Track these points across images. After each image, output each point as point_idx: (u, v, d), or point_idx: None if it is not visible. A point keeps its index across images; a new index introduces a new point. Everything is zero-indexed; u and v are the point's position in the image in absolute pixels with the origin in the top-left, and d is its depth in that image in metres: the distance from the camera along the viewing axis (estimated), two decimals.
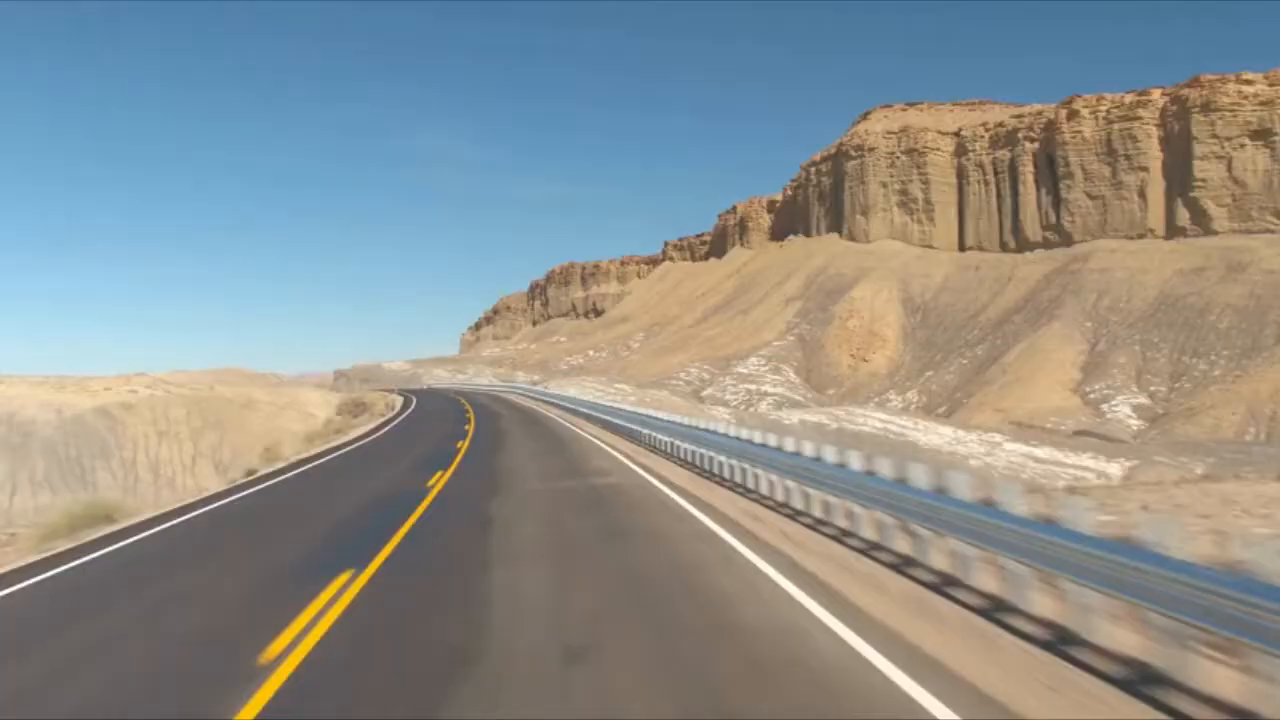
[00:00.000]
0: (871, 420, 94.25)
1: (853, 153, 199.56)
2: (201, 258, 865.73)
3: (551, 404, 66.41)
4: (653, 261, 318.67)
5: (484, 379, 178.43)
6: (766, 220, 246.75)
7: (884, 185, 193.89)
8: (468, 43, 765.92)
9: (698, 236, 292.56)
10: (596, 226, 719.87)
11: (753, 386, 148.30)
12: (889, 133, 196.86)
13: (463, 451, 31.77)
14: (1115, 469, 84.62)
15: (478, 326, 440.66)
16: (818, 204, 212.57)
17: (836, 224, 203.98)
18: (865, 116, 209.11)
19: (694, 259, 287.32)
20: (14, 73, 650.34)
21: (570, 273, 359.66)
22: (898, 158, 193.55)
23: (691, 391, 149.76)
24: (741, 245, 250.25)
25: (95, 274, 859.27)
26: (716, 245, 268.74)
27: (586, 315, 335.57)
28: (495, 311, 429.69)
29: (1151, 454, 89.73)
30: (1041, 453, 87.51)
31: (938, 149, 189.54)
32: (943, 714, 6.53)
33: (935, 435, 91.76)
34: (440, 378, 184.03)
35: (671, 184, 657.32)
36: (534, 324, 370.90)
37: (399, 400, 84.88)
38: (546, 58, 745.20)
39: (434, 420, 56.18)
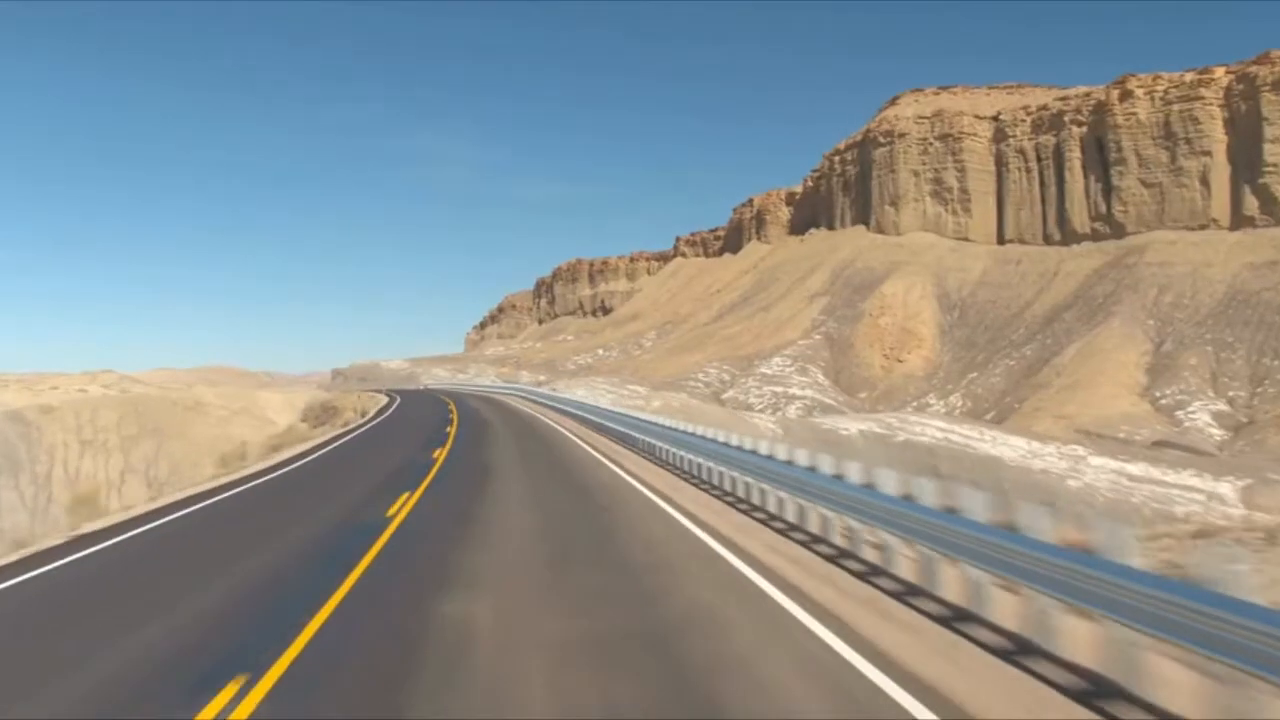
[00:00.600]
0: (930, 429, 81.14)
1: (881, 139, 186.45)
2: (204, 257, 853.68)
3: (558, 410, 53.67)
4: (663, 257, 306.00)
5: (485, 379, 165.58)
6: (785, 213, 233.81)
7: (915, 174, 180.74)
8: (469, 43, 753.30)
9: (711, 231, 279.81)
10: (604, 224, 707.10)
11: (779, 389, 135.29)
12: (921, 118, 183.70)
13: (397, 523, 18.57)
14: (1226, 489, 71.62)
15: (482, 326, 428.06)
16: (842, 195, 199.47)
17: (863, 215, 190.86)
18: (894, 102, 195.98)
19: (707, 254, 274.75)
20: (12, 71, 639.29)
21: (577, 270, 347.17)
22: (930, 144, 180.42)
23: (711, 394, 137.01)
24: (758, 239, 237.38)
25: (98, 273, 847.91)
26: (731, 240, 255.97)
27: (594, 314, 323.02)
28: (500, 310, 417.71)
29: (1262, 471, 76.68)
30: (1135, 469, 74.46)
31: (974, 134, 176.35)
32: None
33: (1005, 447, 78.66)
34: (439, 378, 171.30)
35: (682, 179, 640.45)
36: (540, 323, 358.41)
37: (379, 403, 72.28)
38: (549, 57, 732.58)
39: (404, 432, 43.51)
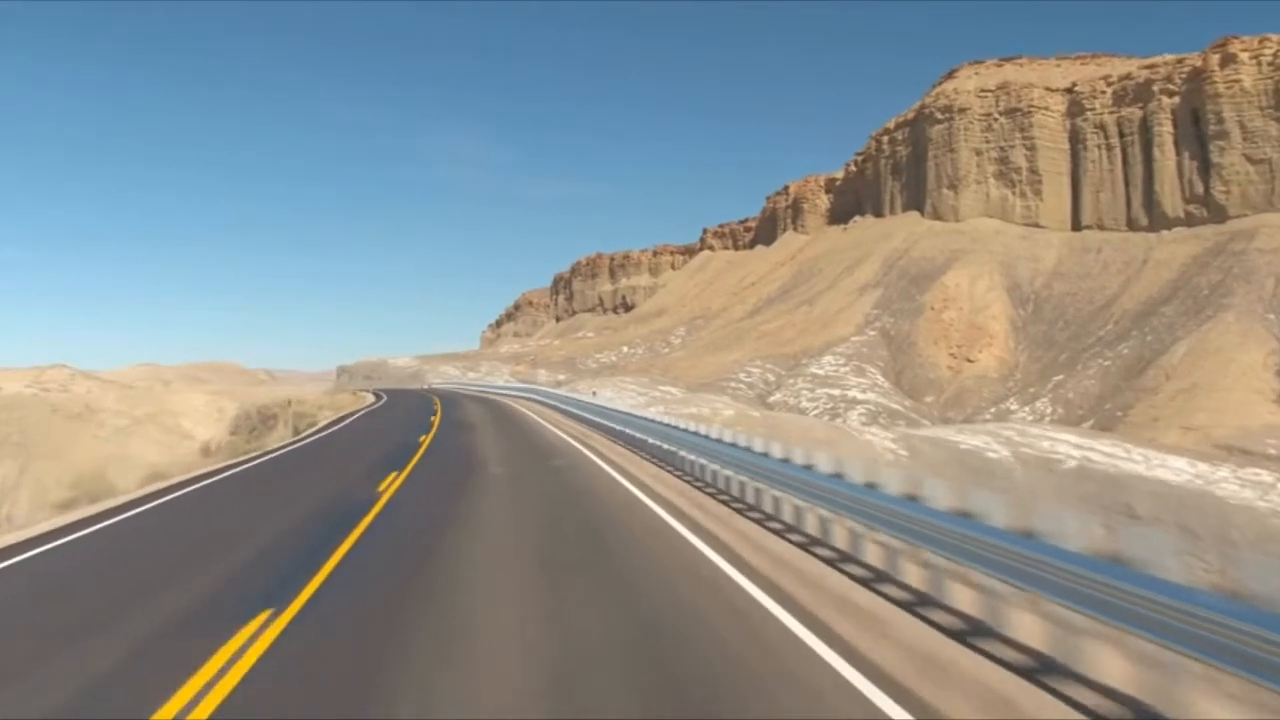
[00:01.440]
0: (1061, 445, 62.95)
1: (939, 115, 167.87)
2: (220, 255, 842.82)
3: (586, 421, 36.05)
4: (689, 251, 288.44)
5: (498, 378, 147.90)
6: (824, 201, 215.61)
7: (978, 153, 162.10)
8: (488, 43, 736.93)
9: (741, 223, 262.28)
10: (624, 219, 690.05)
11: (834, 391, 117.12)
12: (984, 91, 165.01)
13: None
14: None
15: (498, 324, 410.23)
16: (892, 178, 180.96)
17: (916, 200, 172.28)
18: (951, 75, 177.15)
19: (736, 247, 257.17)
20: (35, 71, 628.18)
21: (598, 265, 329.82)
22: (995, 120, 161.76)
23: (756, 396, 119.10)
24: (795, 229, 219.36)
25: (121, 270, 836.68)
26: (764, 231, 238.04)
27: (615, 310, 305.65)
28: (516, 308, 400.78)
29: None
30: None
31: (1046, 108, 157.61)
32: None
33: (1163, 468, 60.39)
34: (447, 376, 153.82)
35: (709, 171, 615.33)
36: (557, 320, 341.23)
37: (350, 408, 54.99)
38: (567, 56, 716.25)
39: (328, 468, 26.00)
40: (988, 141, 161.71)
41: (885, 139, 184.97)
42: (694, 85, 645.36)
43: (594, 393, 67.63)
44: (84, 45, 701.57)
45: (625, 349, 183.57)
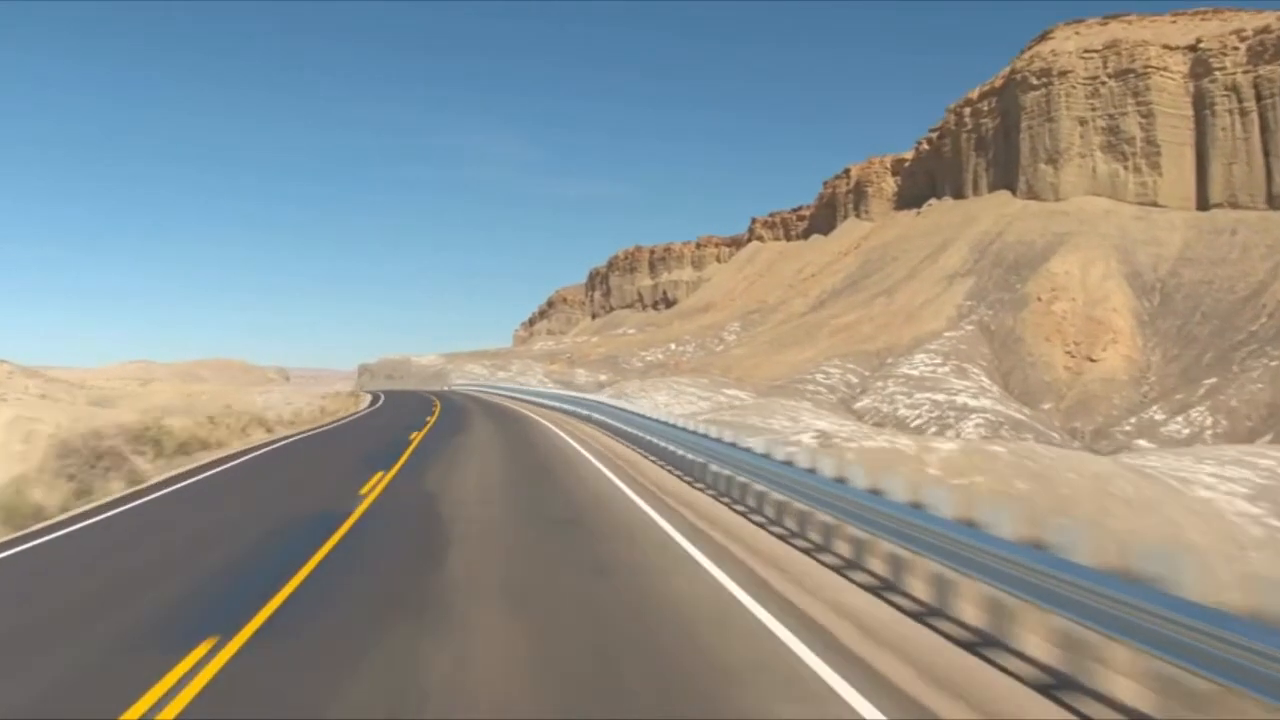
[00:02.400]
0: None
1: (1034, 81, 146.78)
2: (250, 255, 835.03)
3: (677, 462, 16.33)
4: (736, 242, 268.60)
5: (531, 378, 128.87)
6: (891, 184, 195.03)
7: (1082, 122, 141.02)
8: (518, 42, 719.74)
9: (793, 211, 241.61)
10: (661, 216, 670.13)
11: (938, 396, 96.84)
12: (1088, 51, 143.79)
13: None
14: None
15: (530, 323, 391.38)
16: (975, 155, 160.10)
17: (1006, 178, 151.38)
18: (1045, 36, 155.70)
19: (788, 237, 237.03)
20: (72, 73, 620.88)
21: (636, 259, 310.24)
22: (1102, 84, 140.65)
23: (839, 401, 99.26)
24: (857, 216, 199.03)
25: (149, 268, 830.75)
26: (821, 219, 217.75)
27: (655, 306, 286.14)
28: (550, 305, 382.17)
29: None
30: None
31: (1164, 69, 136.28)
32: None
33: None
34: (473, 376, 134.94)
35: (755, 157, 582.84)
36: (593, 317, 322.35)
37: (326, 419, 36.18)
38: (606, 53, 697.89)
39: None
40: (1093, 109, 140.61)
41: (967, 111, 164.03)
42: (736, 71, 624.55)
43: (621, 393, 46.84)
44: (109, 44, 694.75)
45: (673, 346, 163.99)
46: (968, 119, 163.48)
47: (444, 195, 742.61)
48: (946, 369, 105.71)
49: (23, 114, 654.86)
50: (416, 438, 24.71)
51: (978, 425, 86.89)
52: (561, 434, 28.18)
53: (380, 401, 59.59)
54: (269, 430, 33.71)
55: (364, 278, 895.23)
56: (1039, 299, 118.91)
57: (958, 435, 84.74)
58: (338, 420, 40.49)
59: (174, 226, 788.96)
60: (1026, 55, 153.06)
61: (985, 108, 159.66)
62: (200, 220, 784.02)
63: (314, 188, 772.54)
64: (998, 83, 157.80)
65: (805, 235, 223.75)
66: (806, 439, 54.15)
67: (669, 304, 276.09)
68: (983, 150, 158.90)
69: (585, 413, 35.67)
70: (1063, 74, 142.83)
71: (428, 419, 36.48)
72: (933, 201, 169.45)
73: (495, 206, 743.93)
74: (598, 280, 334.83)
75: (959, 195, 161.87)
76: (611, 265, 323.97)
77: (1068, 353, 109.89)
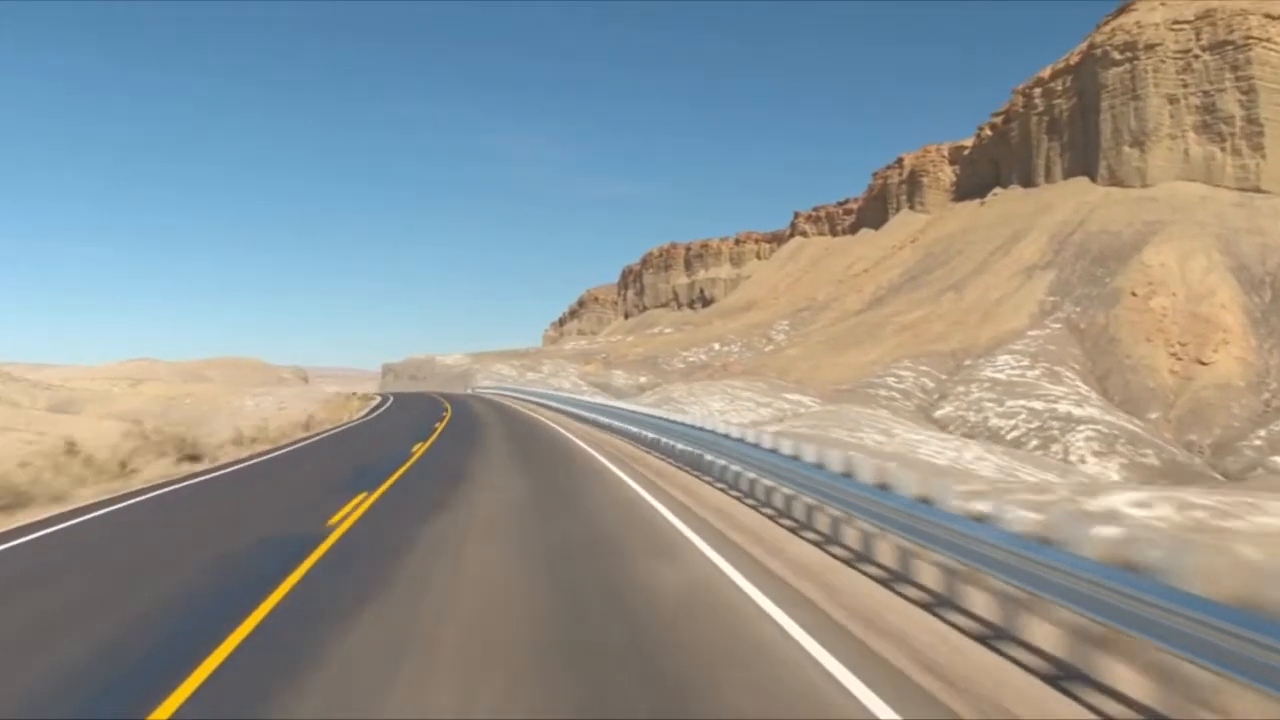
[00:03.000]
0: None
1: (1116, 56, 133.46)
2: (282, 254, 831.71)
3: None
4: (777, 238, 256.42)
5: (564, 379, 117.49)
6: (949, 174, 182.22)
7: (1172, 100, 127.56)
8: (551, 42, 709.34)
9: (840, 204, 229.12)
10: (693, 216, 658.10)
11: (1034, 404, 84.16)
12: (1178, 23, 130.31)
13: None
14: None
15: (560, 323, 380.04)
16: (1047, 138, 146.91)
17: (1084, 163, 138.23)
18: (1128, 8, 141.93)
19: (834, 232, 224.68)
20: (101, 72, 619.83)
21: (672, 256, 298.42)
22: (1195, 58, 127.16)
23: (915, 408, 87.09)
24: (911, 208, 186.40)
25: (181, 267, 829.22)
26: (870, 212, 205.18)
27: (691, 305, 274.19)
28: (580, 305, 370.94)
29: None
30: None
31: (1267, 40, 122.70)
32: None
33: None
34: (500, 377, 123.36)
35: (796, 150, 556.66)
36: (625, 316, 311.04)
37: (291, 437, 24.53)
38: (638, 54, 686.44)
39: None
40: (1185, 85, 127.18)
41: (1037, 92, 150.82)
42: (775, 68, 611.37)
43: (670, 396, 34.08)
44: (162, 48, 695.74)
45: (716, 346, 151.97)
46: (1038, 100, 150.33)
47: (474, 195, 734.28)
48: (1036, 372, 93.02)
49: (107, 118, 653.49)
50: (358, 505, 12.75)
51: (1089, 439, 74.23)
52: (638, 488, 16.42)
53: (382, 407, 48.56)
54: (193, 460, 22.23)
55: (393, 278, 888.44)
56: (1133, 294, 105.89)
57: (1065, 451, 72.31)
58: (306, 439, 29.01)
59: (206, 226, 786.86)
60: (1107, 29, 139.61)
61: (1059, 87, 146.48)
62: (231, 220, 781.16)
63: (341, 187, 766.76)
64: (1073, 59, 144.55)
65: (853, 230, 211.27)
66: (983, 468, 41.08)
67: (705, 302, 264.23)
68: (1056, 133, 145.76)
69: (652, 436, 23.84)
70: (1149, 48, 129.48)
71: (415, 448, 24.60)
72: (998, 190, 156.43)
73: (525, 206, 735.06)
74: (631, 279, 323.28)
75: (1028, 183, 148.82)
76: (645, 263, 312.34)
77: (1173, 355, 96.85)
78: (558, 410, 43.53)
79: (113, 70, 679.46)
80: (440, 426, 33.38)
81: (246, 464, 21.71)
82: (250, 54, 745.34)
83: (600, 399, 48.43)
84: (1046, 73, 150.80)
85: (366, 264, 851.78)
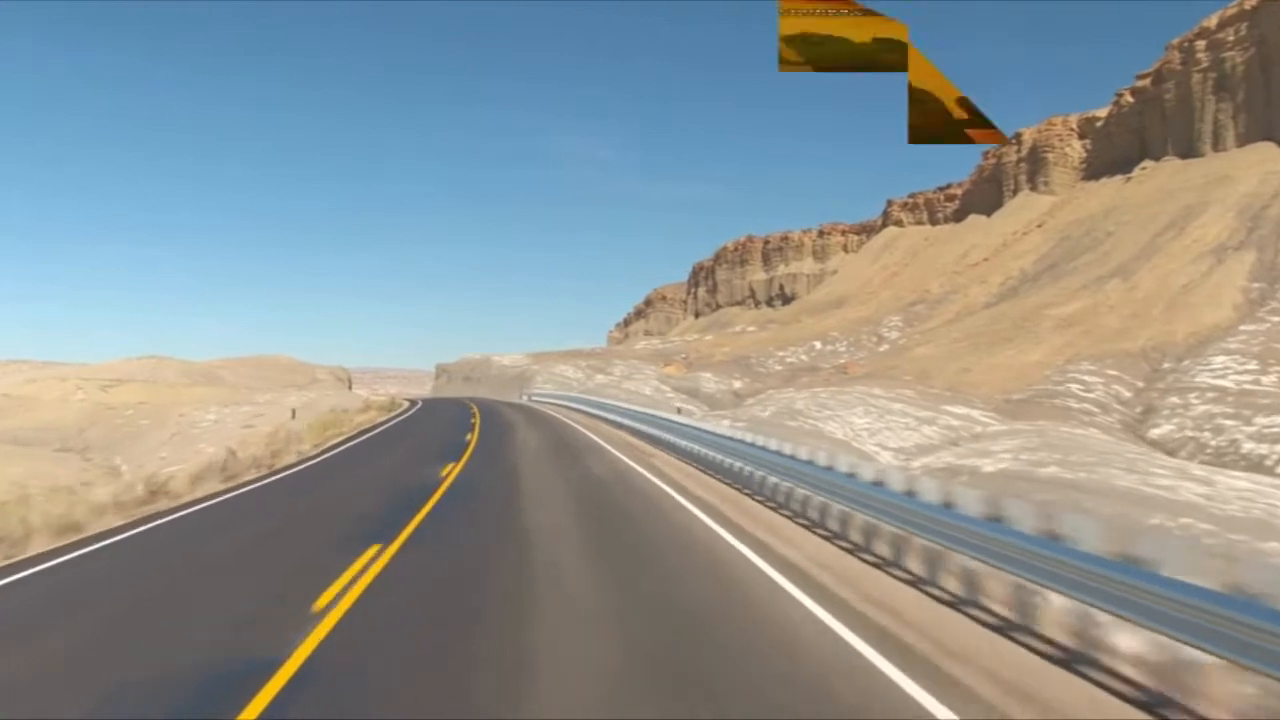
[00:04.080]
0: None
1: None
2: (346, 256, 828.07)
3: None
4: (867, 229, 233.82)
5: (644, 385, 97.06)
6: (1078, 149, 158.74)
7: None
8: (615, 42, 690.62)
9: (940, 190, 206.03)
10: (770, 214, 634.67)
11: None
12: None
13: None
14: None
15: (626, 323, 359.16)
16: (1213, 99, 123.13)
17: (1265, 125, 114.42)
18: None
19: (933, 220, 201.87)
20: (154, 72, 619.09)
21: (748, 250, 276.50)
22: None
23: (1118, 422, 64.99)
24: (1032, 189, 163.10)
25: (252, 267, 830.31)
26: (980, 195, 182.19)
27: (770, 302, 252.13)
28: (648, 304, 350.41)
29: None
30: None
31: None
32: None
33: None
34: (564, 381, 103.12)
35: (884, 138, 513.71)
36: (696, 315, 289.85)
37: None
38: (704, 48, 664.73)
39: None
40: None
41: (1200, 45, 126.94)
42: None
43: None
44: (229, 48, 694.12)
45: (818, 345, 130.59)
46: (1201, 55, 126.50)
47: (528, 198, 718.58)
48: (1271, 378, 70.38)
49: (163, 122, 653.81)
50: None
51: None
52: None
53: (375, 430, 29.19)
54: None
55: (450, 277, 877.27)
56: None
57: None
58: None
59: (263, 224, 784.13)
60: None
61: (1229, 38, 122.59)
62: (289, 218, 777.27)
63: (399, 187, 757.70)
64: (1249, 3, 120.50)
65: (958, 216, 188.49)
66: None
67: (786, 299, 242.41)
68: (1225, 93, 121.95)
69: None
70: None
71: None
72: (1148, 163, 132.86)
73: (588, 207, 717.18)
74: (702, 276, 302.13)
75: (1189, 153, 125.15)
76: (719, 259, 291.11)
77: None
78: (686, 442, 22.68)
79: (175, 72, 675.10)
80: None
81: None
82: (308, 55, 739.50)
83: (729, 436, 27.72)
84: (1213, 21, 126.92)
85: (427, 265, 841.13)
